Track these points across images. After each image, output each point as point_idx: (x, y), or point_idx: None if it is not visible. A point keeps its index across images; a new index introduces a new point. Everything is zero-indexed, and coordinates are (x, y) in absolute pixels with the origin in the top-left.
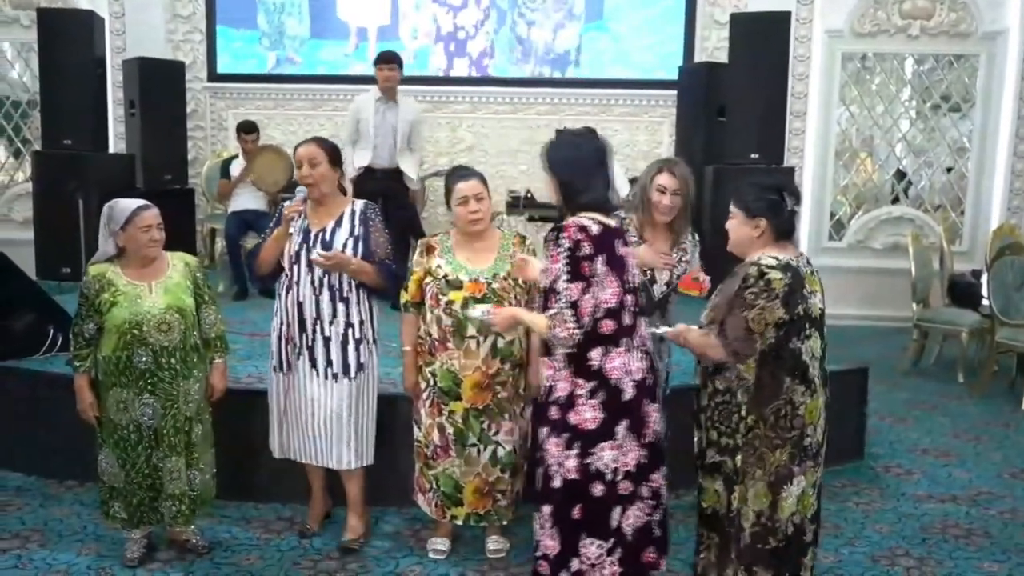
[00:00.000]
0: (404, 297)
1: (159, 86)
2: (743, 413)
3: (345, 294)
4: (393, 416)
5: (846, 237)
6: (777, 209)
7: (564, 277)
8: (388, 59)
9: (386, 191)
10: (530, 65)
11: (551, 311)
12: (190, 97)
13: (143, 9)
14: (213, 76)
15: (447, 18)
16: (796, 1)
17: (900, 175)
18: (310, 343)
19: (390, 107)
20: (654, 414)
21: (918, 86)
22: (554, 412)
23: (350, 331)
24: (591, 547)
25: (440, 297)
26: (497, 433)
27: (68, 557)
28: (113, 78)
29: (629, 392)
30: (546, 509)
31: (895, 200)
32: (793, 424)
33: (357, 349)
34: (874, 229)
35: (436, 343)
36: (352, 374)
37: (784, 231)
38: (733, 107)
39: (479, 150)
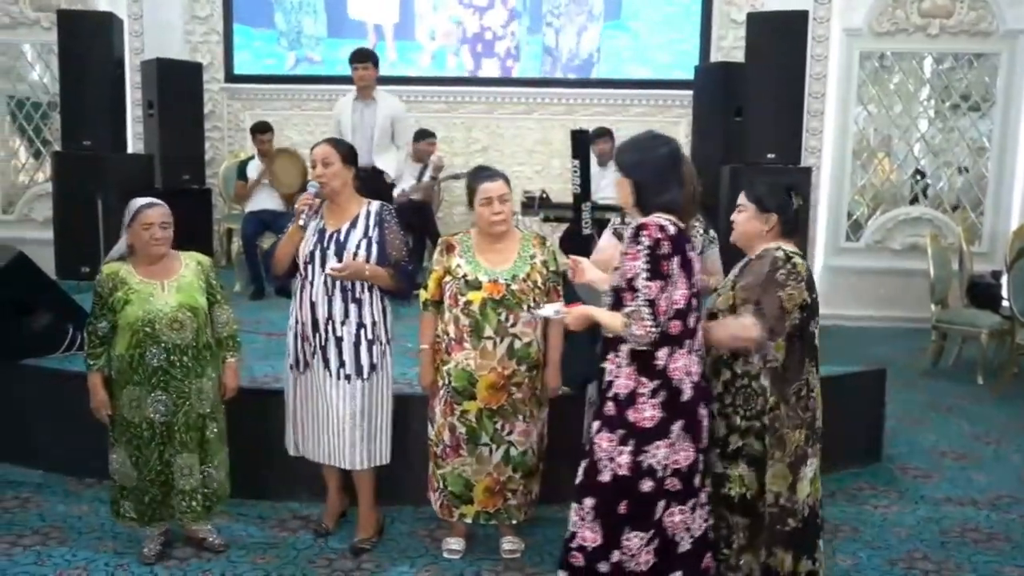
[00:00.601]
0: (423, 296)
1: (177, 87)
2: (767, 395)
3: (358, 295)
4: (408, 416)
5: (864, 237)
6: (787, 206)
7: (644, 275)
8: (361, 58)
9: (371, 189)
10: (559, 73)
11: (628, 308)
12: (207, 98)
13: (161, 10)
14: (230, 77)
15: (473, 19)
16: (814, 0)
17: (919, 175)
18: (323, 343)
19: (368, 105)
20: (707, 419)
21: (937, 85)
22: (610, 408)
23: (362, 332)
24: (633, 539)
25: (459, 297)
26: (511, 433)
27: (87, 554)
28: (132, 79)
29: (688, 393)
30: (588, 502)
31: (913, 200)
32: (808, 405)
33: (370, 350)
34: (892, 229)
35: (453, 342)
36: (365, 375)
37: (791, 228)
38: (750, 107)
39: (494, 150)
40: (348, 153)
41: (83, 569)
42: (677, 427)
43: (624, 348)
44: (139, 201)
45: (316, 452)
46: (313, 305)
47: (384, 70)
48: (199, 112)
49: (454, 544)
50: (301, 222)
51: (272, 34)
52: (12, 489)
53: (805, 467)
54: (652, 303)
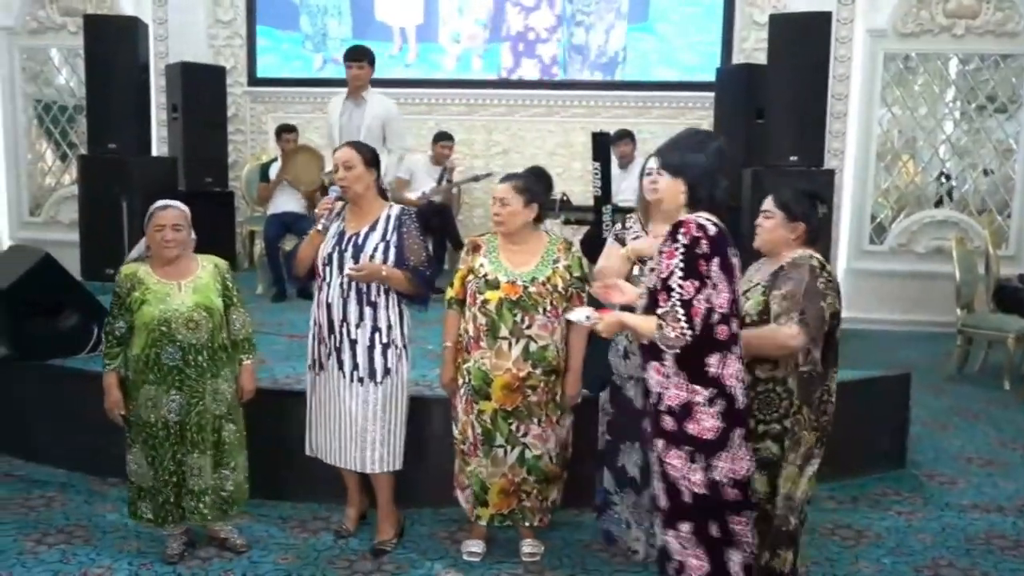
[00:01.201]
0: (448, 293)
1: (200, 90)
2: (793, 398)
3: (373, 298)
4: (428, 418)
5: (887, 241)
6: (813, 214)
7: (678, 274)
8: (356, 56)
9: None
10: (587, 71)
11: (662, 309)
12: (230, 101)
13: (185, 15)
14: (253, 80)
15: (518, 18)
16: (837, 1)
17: (944, 177)
18: (338, 345)
19: (358, 105)
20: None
21: (963, 86)
22: (669, 422)
23: (377, 335)
24: (737, 560)
25: (477, 296)
26: (526, 435)
27: (111, 553)
28: (156, 83)
29: (741, 400)
30: (685, 527)
31: (938, 203)
32: (826, 410)
33: (384, 354)
34: (917, 232)
35: (472, 340)
36: (378, 379)
37: (814, 236)
38: (772, 109)
39: (515, 153)
40: (371, 156)
41: (107, 568)
42: (737, 436)
43: (670, 356)
44: (157, 203)
45: (330, 454)
46: (329, 307)
47: (407, 73)
48: (222, 115)
49: (474, 547)
50: (320, 227)
51: (298, 36)
52: (38, 488)
53: (809, 467)
54: (687, 304)
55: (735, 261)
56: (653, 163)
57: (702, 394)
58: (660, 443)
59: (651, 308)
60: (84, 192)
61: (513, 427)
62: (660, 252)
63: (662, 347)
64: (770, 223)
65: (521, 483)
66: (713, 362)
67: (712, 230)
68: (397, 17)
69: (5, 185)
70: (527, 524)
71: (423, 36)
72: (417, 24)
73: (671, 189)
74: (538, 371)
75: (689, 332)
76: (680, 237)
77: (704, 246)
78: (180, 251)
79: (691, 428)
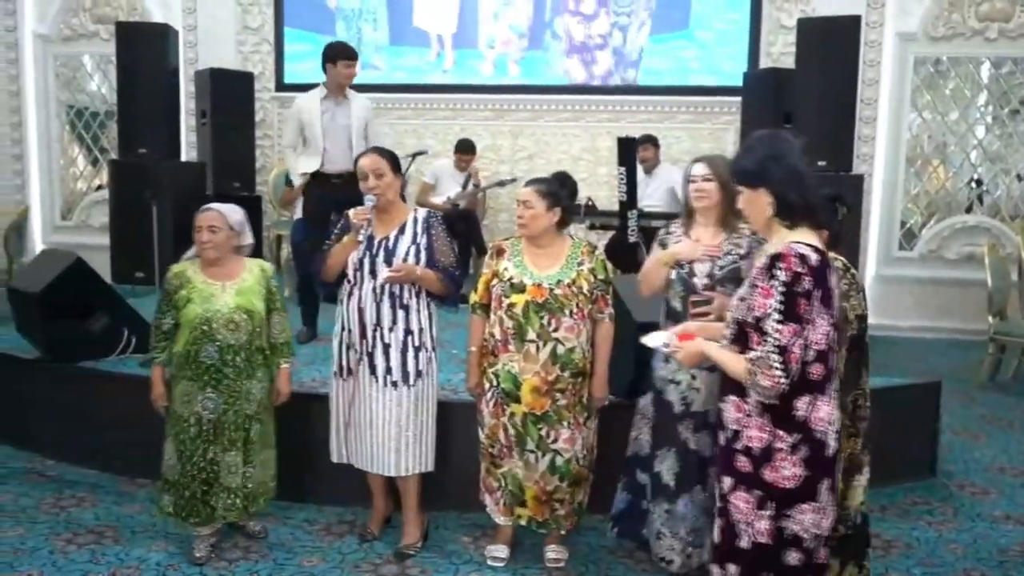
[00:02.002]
0: (473, 298)
1: (229, 96)
2: None
3: (405, 301)
4: (453, 422)
5: (917, 247)
6: (834, 219)
7: (775, 316)
8: (354, 55)
9: (348, 196)
10: (621, 70)
11: (754, 354)
12: (258, 106)
13: (215, 22)
14: (280, 86)
15: (579, 28)
16: (867, 5)
17: (976, 183)
18: (370, 349)
19: (339, 104)
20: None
21: (995, 90)
22: (743, 463)
23: (409, 338)
24: None
25: (503, 299)
26: (556, 441)
27: (139, 553)
28: (186, 88)
29: (832, 446)
30: (732, 569)
31: (969, 208)
32: (863, 415)
33: (416, 356)
34: (947, 238)
35: (499, 344)
36: (411, 381)
37: (836, 239)
38: (800, 113)
39: (540, 158)
40: (395, 161)
41: (135, 568)
42: (824, 488)
43: (753, 394)
44: (205, 206)
45: (360, 459)
46: (361, 311)
47: (442, 79)
48: (250, 120)
49: (498, 551)
50: (360, 238)
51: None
52: (69, 488)
53: (860, 475)
54: (783, 350)
55: (834, 287)
56: (699, 169)
57: (785, 440)
58: (727, 481)
59: (738, 340)
60: (115, 196)
61: (543, 432)
62: (754, 286)
63: (754, 393)
64: None
65: (554, 491)
66: (801, 405)
67: (814, 260)
68: (434, 23)
69: (38, 189)
70: (562, 532)
71: (460, 42)
72: (452, 32)
73: (755, 203)
74: (566, 374)
75: (785, 381)
76: (779, 273)
77: (806, 283)
78: (217, 253)
79: (768, 474)
